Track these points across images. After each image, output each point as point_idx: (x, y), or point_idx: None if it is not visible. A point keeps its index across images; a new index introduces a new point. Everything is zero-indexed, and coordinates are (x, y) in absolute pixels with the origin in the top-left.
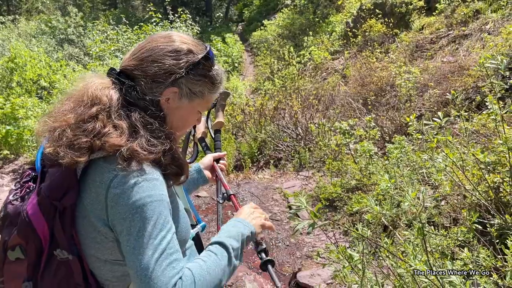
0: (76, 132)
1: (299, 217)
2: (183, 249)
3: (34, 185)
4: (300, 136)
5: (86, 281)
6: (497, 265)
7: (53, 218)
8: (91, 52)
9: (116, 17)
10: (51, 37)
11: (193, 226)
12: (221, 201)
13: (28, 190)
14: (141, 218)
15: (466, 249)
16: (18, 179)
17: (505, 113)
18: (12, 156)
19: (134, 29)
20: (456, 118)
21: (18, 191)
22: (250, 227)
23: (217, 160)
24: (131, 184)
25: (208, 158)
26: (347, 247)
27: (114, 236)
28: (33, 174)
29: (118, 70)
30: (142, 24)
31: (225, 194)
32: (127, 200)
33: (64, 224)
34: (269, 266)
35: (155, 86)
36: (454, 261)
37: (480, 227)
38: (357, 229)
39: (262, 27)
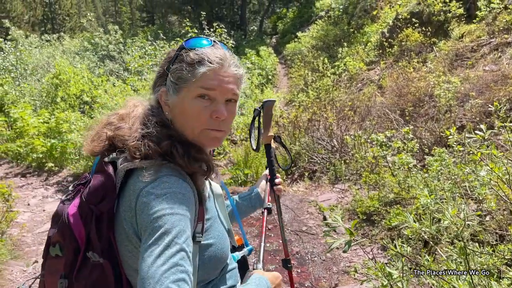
0: (101, 128)
1: (335, 231)
2: (219, 269)
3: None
4: (335, 148)
5: (119, 286)
6: None
7: (90, 222)
8: (130, 67)
9: (154, 33)
10: (93, 53)
11: (237, 248)
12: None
13: (78, 192)
14: (159, 228)
15: None
16: (76, 182)
17: None
18: (56, 168)
19: (171, 44)
20: (501, 129)
21: (71, 192)
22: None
23: (271, 180)
24: (157, 194)
25: (263, 182)
26: (386, 263)
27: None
28: (89, 177)
29: None
30: (178, 39)
31: (264, 209)
32: (150, 209)
33: (99, 229)
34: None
35: (155, 91)
36: (500, 280)
37: None
38: (395, 246)
39: (296, 39)
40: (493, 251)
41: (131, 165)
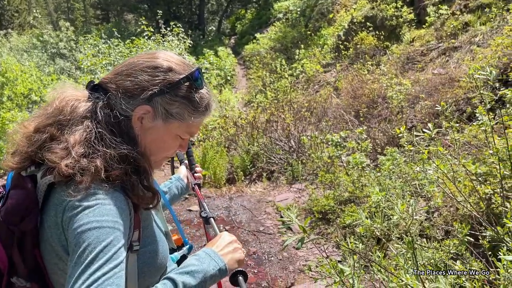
0: (24, 140)
1: (291, 229)
2: (159, 275)
3: None
4: (292, 149)
5: None
6: (490, 278)
7: (12, 244)
8: (82, 66)
9: (109, 31)
10: (43, 51)
11: (175, 250)
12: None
13: None
14: (83, 243)
15: (458, 262)
16: None
17: (495, 124)
18: (2, 171)
19: (126, 43)
20: (448, 130)
21: None
22: (219, 263)
23: (191, 169)
24: (83, 207)
25: (184, 168)
26: (339, 261)
27: None
28: (4, 192)
29: (96, 83)
30: (134, 38)
31: (194, 185)
32: (75, 223)
33: (23, 250)
34: (240, 278)
35: (127, 102)
36: (447, 275)
37: (472, 239)
38: (348, 243)
39: (254, 40)
40: (440, 246)
41: (54, 179)
